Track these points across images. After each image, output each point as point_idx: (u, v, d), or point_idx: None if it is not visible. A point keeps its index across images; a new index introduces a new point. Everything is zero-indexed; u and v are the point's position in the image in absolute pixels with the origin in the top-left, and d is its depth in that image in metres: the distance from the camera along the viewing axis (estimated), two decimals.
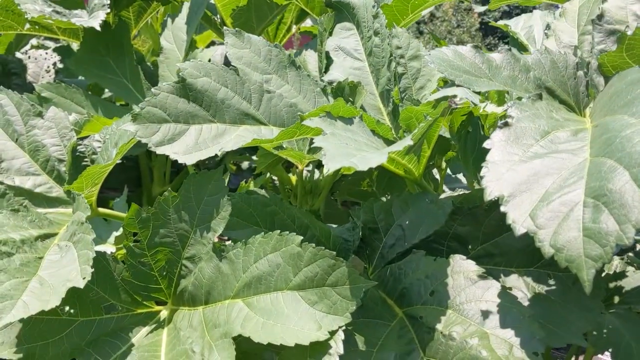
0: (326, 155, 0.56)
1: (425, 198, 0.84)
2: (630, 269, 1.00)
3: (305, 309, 0.62)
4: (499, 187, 0.57)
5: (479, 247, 0.76)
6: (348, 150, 0.59)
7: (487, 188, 0.57)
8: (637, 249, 1.23)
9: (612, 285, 0.98)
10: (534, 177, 0.57)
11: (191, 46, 1.21)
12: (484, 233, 0.76)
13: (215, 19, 1.27)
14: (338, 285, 0.62)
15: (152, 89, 0.70)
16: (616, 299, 0.96)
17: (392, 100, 0.85)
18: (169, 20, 1.23)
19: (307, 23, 1.55)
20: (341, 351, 0.59)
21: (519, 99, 0.66)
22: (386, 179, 1.24)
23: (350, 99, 0.85)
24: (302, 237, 0.63)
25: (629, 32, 0.62)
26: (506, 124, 0.62)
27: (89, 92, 1.19)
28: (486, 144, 0.61)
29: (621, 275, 0.98)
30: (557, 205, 0.53)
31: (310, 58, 1.01)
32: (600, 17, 0.76)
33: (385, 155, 0.57)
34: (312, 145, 0.60)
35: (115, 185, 1.42)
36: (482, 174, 0.58)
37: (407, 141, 0.60)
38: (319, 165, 1.28)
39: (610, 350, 0.83)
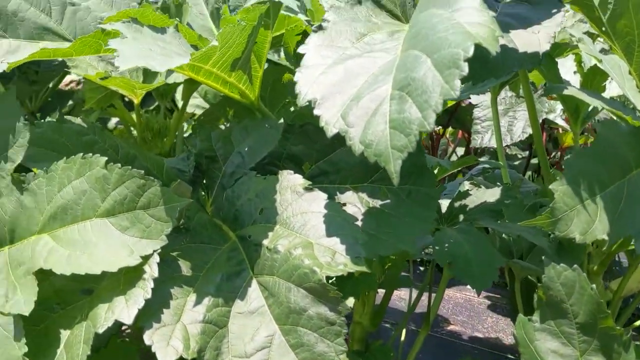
0: (120, 56, 0.50)
1: (265, 124, 0.80)
2: (475, 189, 1.04)
3: (117, 236, 0.56)
4: (312, 90, 0.54)
5: (313, 166, 0.74)
6: (150, 53, 0.53)
7: (301, 92, 0.55)
8: (487, 173, 1.28)
9: (457, 204, 1.01)
10: (347, 78, 0.54)
11: None
12: (318, 151, 0.73)
13: None
14: (151, 207, 0.57)
15: None
16: (461, 217, 1.00)
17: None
18: None
19: None
20: (156, 274, 0.55)
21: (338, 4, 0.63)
22: (242, 117, 1.19)
23: (178, 18, 0.78)
24: (107, 158, 0.57)
25: None
26: (321, 28, 0.59)
27: None
28: (301, 49, 0.58)
29: (465, 194, 1.02)
30: (367, 102, 0.51)
31: None
32: None
33: (187, 57, 0.52)
34: (105, 47, 0.53)
35: None
36: (295, 78, 0.56)
37: (213, 43, 0.56)
38: (168, 102, 1.21)
39: (450, 260, 0.85)
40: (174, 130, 1.09)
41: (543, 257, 0.60)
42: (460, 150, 2.36)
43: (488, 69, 0.68)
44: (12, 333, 0.55)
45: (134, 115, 1.05)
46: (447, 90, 0.46)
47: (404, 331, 1.25)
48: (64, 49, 0.58)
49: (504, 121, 1.60)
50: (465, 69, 0.46)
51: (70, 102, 1.38)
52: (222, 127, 1.11)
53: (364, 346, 1.08)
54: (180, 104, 1.23)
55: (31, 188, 0.60)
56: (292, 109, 1.17)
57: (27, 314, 0.54)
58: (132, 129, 1.12)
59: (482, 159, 2.27)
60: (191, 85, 0.95)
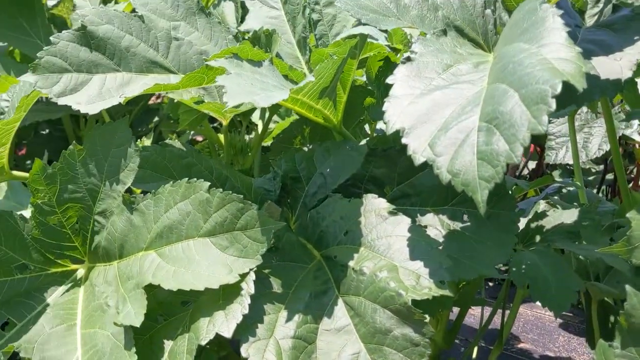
0: (227, 93, 0.55)
1: (346, 145, 0.84)
2: (552, 209, 1.04)
3: (217, 255, 0.61)
4: (400, 120, 0.57)
5: (395, 189, 0.76)
6: (252, 88, 0.58)
7: (389, 122, 0.58)
8: (562, 192, 1.27)
9: (533, 225, 1.01)
10: (434, 109, 0.57)
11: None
12: (399, 174, 0.76)
13: None
14: (248, 229, 0.61)
15: (51, 37, 0.67)
16: (537, 238, 1.00)
17: (309, 48, 0.84)
18: None
19: None
20: (252, 291, 0.59)
21: (423, 35, 0.66)
22: (317, 135, 1.23)
23: (268, 48, 0.83)
24: (209, 183, 0.62)
25: None
26: (409, 59, 0.62)
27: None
28: (389, 80, 0.61)
29: (542, 215, 1.02)
30: (455, 133, 0.54)
31: (228, 10, 0.99)
32: None
33: (286, 92, 0.56)
34: (214, 84, 0.58)
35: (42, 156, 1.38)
36: (384, 108, 0.59)
37: (309, 78, 0.60)
38: (248, 121, 1.27)
39: (528, 283, 0.86)
40: (255, 148, 1.14)
41: (626, 286, 0.60)
42: (532, 164, 2.32)
43: (570, 96, 0.69)
44: (122, 342, 0.61)
45: (220, 135, 1.12)
46: (535, 125, 0.48)
47: (475, 348, 1.25)
48: (173, 84, 0.64)
49: (579, 137, 1.57)
50: (553, 105, 0.47)
51: (157, 118, 1.47)
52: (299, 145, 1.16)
53: None
54: (258, 122, 1.29)
55: (140, 208, 0.66)
56: (366, 126, 1.20)
57: (138, 325, 0.59)
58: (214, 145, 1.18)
59: (554, 172, 2.22)
60: (274, 108, 1.00)
